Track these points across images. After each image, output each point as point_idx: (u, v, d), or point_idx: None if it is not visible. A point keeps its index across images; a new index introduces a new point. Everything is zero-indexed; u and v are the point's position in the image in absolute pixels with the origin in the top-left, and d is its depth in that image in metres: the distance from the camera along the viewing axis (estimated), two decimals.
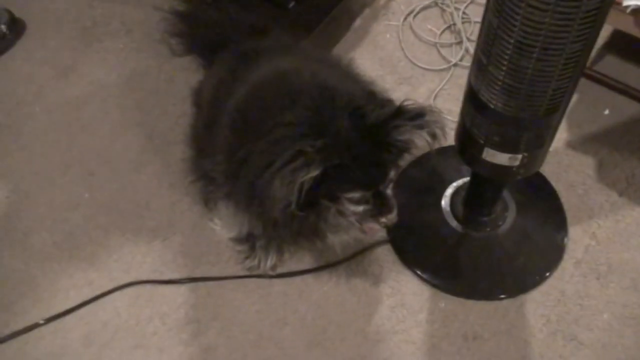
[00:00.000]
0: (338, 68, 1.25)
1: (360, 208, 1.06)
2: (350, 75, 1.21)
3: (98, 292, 1.37)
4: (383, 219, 1.08)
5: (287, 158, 0.94)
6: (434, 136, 1.03)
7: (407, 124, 0.99)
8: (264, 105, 1.06)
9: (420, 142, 1.03)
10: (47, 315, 1.35)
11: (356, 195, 1.03)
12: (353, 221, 1.10)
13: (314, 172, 0.94)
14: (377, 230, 1.13)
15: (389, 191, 1.08)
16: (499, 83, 0.98)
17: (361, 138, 0.99)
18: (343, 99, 1.01)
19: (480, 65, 1.00)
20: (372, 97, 1.09)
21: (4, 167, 1.58)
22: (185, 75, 1.66)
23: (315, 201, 1.03)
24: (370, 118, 0.99)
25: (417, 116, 1.00)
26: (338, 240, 1.20)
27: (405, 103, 1.01)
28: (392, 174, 1.07)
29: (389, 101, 1.09)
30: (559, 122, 1.08)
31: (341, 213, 1.08)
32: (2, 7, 1.84)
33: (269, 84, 1.12)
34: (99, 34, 1.85)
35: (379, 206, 1.06)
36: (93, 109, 1.69)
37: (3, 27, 1.80)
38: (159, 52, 1.70)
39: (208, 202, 1.40)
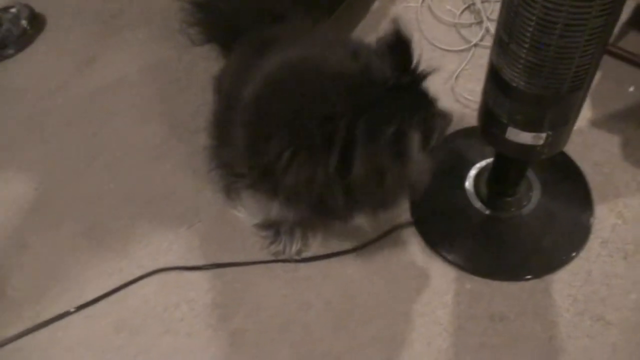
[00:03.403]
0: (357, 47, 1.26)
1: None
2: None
3: (126, 280, 1.39)
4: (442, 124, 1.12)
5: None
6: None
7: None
8: (284, 93, 1.06)
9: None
10: (78, 303, 1.37)
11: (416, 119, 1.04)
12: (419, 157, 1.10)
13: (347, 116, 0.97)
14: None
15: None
16: (521, 61, 0.97)
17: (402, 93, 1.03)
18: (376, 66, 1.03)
19: (502, 44, 0.99)
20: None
21: (32, 160, 1.61)
22: (205, 64, 1.67)
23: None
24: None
25: (397, 39, 1.03)
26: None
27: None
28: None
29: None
30: (583, 100, 1.07)
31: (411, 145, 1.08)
32: (22, 2, 1.87)
33: (288, 72, 1.12)
34: (119, 26, 1.87)
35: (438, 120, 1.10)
36: (115, 100, 1.71)
37: (24, 23, 1.83)
38: (178, 42, 1.71)
39: (230, 192, 1.40)
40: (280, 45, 1.21)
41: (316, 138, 0.99)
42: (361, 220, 1.18)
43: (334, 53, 1.11)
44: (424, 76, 1.07)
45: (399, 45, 1.03)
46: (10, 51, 1.82)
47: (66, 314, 1.36)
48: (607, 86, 1.60)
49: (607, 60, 1.60)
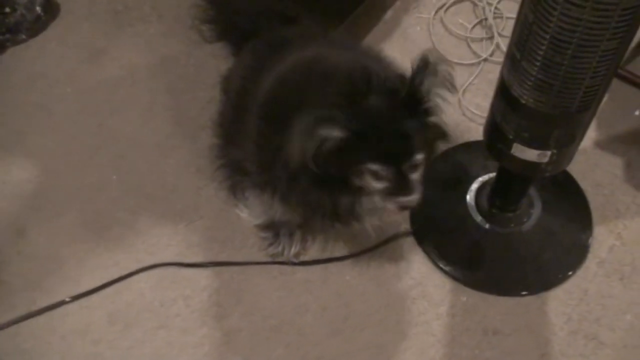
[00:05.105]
0: (369, 54, 1.26)
1: (380, 184, 1.03)
2: (381, 59, 1.22)
3: (124, 273, 1.39)
4: (402, 199, 1.05)
5: (313, 116, 0.96)
6: (449, 82, 1.01)
7: (424, 74, 0.98)
8: (296, 94, 1.07)
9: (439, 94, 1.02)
10: (74, 293, 1.37)
11: (375, 167, 1.01)
12: (378, 200, 1.07)
13: (337, 133, 0.95)
14: (394, 212, 1.10)
15: (416, 176, 1.05)
16: (532, 78, 0.98)
17: (389, 111, 0.99)
18: (379, 80, 1.01)
19: (514, 60, 1.00)
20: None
21: (36, 146, 1.61)
22: (215, 61, 1.67)
23: (343, 175, 1.03)
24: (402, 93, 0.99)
25: (425, 64, 0.98)
26: (374, 222, 1.19)
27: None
28: (420, 157, 1.03)
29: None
30: (590, 120, 1.07)
31: (366, 188, 1.06)
32: None
33: (300, 73, 1.13)
34: (131, 19, 1.87)
35: (399, 186, 1.03)
36: (123, 93, 1.71)
37: (38, 9, 1.83)
38: (189, 38, 1.71)
39: (236, 191, 1.40)
40: (294, 47, 1.22)
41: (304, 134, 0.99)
42: (364, 225, 1.18)
43: (345, 57, 1.12)
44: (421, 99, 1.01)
45: (416, 67, 1.00)
46: (23, 37, 1.82)
47: (62, 303, 1.36)
48: (613, 108, 1.61)
49: (614, 82, 1.60)
